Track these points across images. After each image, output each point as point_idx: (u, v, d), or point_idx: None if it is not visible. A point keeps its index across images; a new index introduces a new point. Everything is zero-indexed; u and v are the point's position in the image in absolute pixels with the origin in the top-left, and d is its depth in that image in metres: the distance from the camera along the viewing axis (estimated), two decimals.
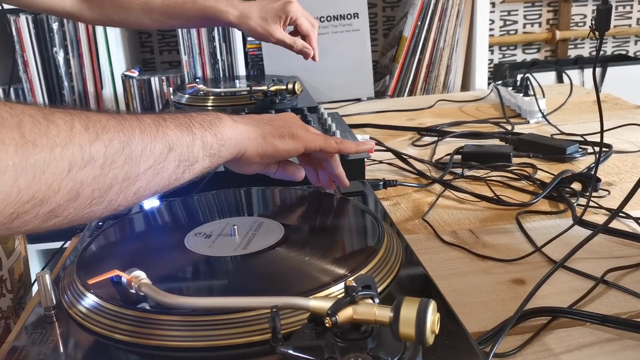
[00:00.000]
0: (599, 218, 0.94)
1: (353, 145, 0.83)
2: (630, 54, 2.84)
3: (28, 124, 0.47)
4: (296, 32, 1.31)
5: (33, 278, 1.05)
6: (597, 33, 0.68)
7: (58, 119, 0.50)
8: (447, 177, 1.16)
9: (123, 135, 0.55)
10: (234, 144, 0.68)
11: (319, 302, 0.49)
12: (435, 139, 1.41)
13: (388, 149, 1.28)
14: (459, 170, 1.18)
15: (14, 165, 0.45)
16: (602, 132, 0.77)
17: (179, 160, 0.60)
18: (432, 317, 0.45)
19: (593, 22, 0.69)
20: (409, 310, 0.45)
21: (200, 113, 0.67)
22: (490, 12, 2.57)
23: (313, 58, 1.33)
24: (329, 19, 2.05)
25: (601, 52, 2.80)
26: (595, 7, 2.76)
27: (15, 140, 0.46)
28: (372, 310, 0.47)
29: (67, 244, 0.95)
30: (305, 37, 1.30)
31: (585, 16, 2.77)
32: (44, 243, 2.08)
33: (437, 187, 1.12)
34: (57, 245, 1.12)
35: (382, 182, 1.08)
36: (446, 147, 1.33)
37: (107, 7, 1.19)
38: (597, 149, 1.23)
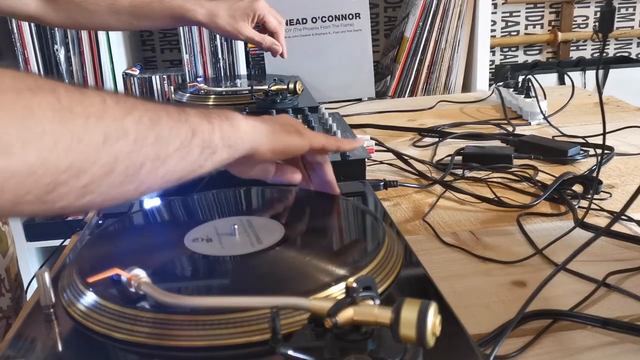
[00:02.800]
0: (601, 220, 0.94)
1: (347, 142, 0.85)
2: (633, 56, 2.84)
3: (63, 92, 0.47)
4: (264, 29, 1.33)
5: (29, 277, 1.05)
6: (600, 34, 0.67)
7: (89, 92, 0.50)
8: (448, 178, 1.15)
9: (152, 114, 0.55)
10: (249, 137, 0.68)
11: (319, 303, 0.49)
12: (436, 139, 1.41)
13: (389, 150, 1.28)
14: (459, 172, 1.18)
15: (52, 130, 0.45)
16: (604, 134, 0.77)
17: (202, 146, 0.61)
18: (433, 319, 0.45)
19: (596, 23, 0.69)
20: (409, 311, 0.45)
21: (214, 109, 0.68)
22: (492, 13, 2.57)
23: (282, 55, 1.35)
24: (330, 18, 2.05)
25: (603, 54, 2.80)
26: (597, 9, 2.76)
27: (52, 105, 0.45)
28: (372, 312, 0.47)
29: (67, 242, 0.95)
30: (273, 34, 1.32)
31: (587, 18, 2.76)
32: (43, 241, 2.08)
33: (438, 188, 1.11)
34: (56, 243, 1.12)
35: (382, 183, 1.07)
36: (447, 148, 1.33)
37: (72, 9, 1.18)
38: (598, 151, 1.22)
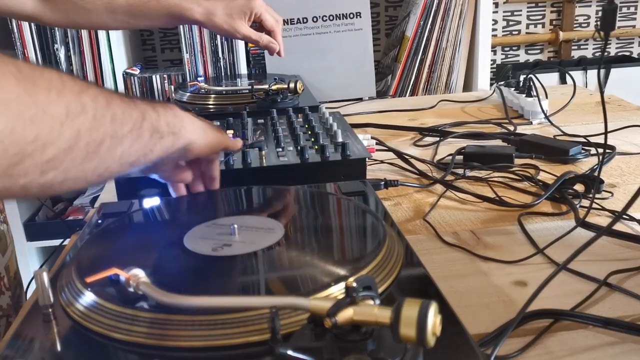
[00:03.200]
0: (602, 220, 0.94)
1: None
2: (634, 55, 2.83)
3: (23, 64, 0.48)
4: (261, 28, 1.33)
5: (29, 277, 1.05)
6: (602, 33, 0.67)
7: (47, 69, 0.51)
8: (449, 177, 1.15)
9: (106, 95, 0.57)
10: (191, 128, 0.71)
11: (319, 303, 0.48)
12: (437, 139, 1.41)
13: (390, 149, 1.27)
14: (460, 171, 1.18)
15: (17, 98, 0.45)
16: (605, 133, 0.77)
17: (151, 130, 0.63)
18: (434, 319, 0.44)
19: (598, 22, 0.68)
20: (410, 311, 0.44)
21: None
22: (493, 12, 2.57)
23: (278, 53, 1.35)
24: (331, 18, 2.05)
25: (605, 54, 2.80)
26: (599, 8, 2.76)
27: (14, 74, 0.46)
28: (372, 312, 0.46)
29: (67, 242, 0.95)
30: (270, 33, 1.33)
31: (589, 17, 2.76)
32: (43, 241, 2.08)
33: (439, 188, 1.11)
34: (56, 242, 1.11)
35: (383, 182, 1.07)
36: (448, 148, 1.33)
37: (69, 8, 1.18)
38: (600, 150, 1.22)
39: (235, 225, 0.69)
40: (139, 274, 0.55)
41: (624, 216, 0.92)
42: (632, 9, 2.77)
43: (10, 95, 0.45)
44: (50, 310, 0.57)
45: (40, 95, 0.47)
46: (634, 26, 2.79)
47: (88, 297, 0.57)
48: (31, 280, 1.05)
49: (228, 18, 1.24)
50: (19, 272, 1.03)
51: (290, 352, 0.46)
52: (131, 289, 0.55)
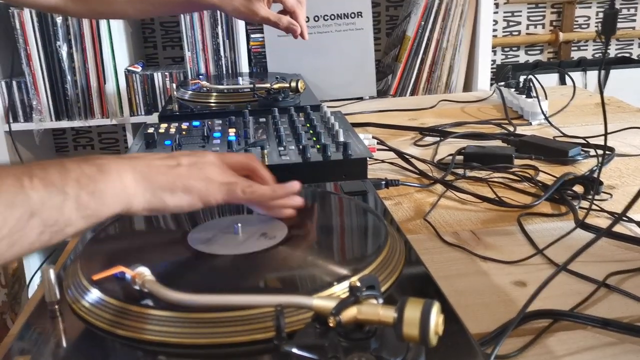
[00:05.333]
0: (601, 221, 0.95)
1: (268, 191, 0.73)
2: (634, 56, 2.84)
3: None
4: (283, 11, 1.27)
5: (30, 272, 1.05)
6: (603, 37, 0.68)
7: None
8: (449, 177, 1.16)
9: None
10: (116, 201, 0.61)
11: (323, 302, 0.49)
12: (437, 139, 1.41)
13: (390, 149, 1.28)
14: (460, 171, 1.18)
15: None
16: (605, 134, 0.78)
17: (43, 226, 0.55)
18: (436, 319, 0.45)
19: (599, 26, 0.69)
20: (413, 311, 0.45)
21: (83, 163, 0.60)
22: (494, 12, 2.57)
23: (302, 36, 1.28)
24: (332, 17, 2.05)
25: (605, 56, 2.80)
26: (599, 10, 2.76)
27: None
28: (376, 311, 0.47)
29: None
30: (292, 14, 1.26)
31: (588, 18, 2.76)
32: None
33: (439, 188, 1.12)
34: None
35: (384, 182, 1.08)
36: (448, 148, 1.34)
37: (91, 0, 1.20)
38: (599, 151, 1.23)
39: (239, 224, 0.69)
40: (145, 272, 0.56)
41: (623, 218, 0.93)
42: (632, 11, 2.77)
43: None
44: (56, 307, 0.58)
45: None
46: (633, 27, 2.79)
47: (94, 295, 0.57)
48: (33, 276, 1.06)
49: (246, 1, 1.19)
50: (20, 268, 1.04)
51: (294, 350, 0.47)
52: (137, 287, 0.56)
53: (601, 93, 0.75)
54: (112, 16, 1.32)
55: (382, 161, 1.26)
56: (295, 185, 0.74)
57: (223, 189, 0.69)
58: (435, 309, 0.45)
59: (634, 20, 2.79)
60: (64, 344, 0.54)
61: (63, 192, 0.56)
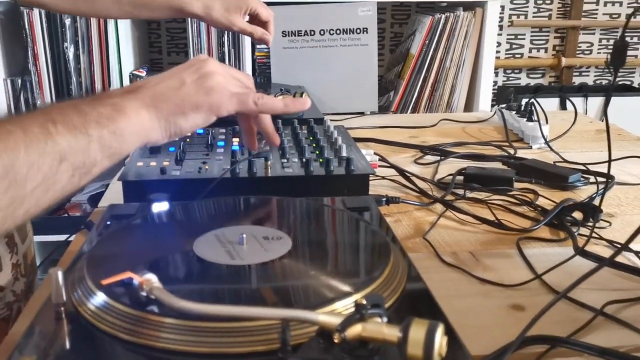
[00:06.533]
0: (599, 249, 0.95)
1: (280, 103, 0.77)
2: (635, 85, 2.86)
3: None
4: (255, 21, 1.36)
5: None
6: (612, 67, 0.69)
7: None
8: (449, 197, 1.16)
9: (6, 158, 0.52)
10: (136, 138, 0.66)
11: (328, 318, 0.50)
12: (438, 158, 1.42)
13: (392, 166, 1.29)
14: (460, 191, 1.19)
15: None
16: (609, 161, 0.78)
17: (72, 169, 0.58)
18: (440, 340, 0.46)
19: (608, 57, 0.70)
20: (417, 331, 0.46)
21: (96, 104, 0.63)
22: (498, 34, 2.59)
23: (267, 43, 1.38)
24: (338, 32, 2.07)
25: (606, 82, 2.82)
26: (602, 37, 2.79)
27: None
28: (380, 329, 0.48)
29: (72, 237, 0.96)
30: (265, 24, 1.36)
31: (592, 44, 2.79)
32: (42, 235, 2.07)
33: (439, 207, 1.12)
34: (56, 238, 1.12)
35: (385, 199, 1.08)
36: (448, 167, 1.34)
37: None
38: (599, 179, 1.23)
39: (244, 235, 0.70)
40: (152, 279, 0.56)
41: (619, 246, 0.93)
42: (635, 39, 2.80)
43: None
44: (62, 308, 0.58)
45: None
46: (636, 56, 2.82)
47: (100, 299, 0.58)
48: (39, 266, 1.07)
49: (225, 13, 1.27)
50: (35, 258, 1.05)
51: None
52: (144, 293, 0.56)
53: (606, 122, 0.76)
54: (94, 15, 1.36)
55: (383, 177, 1.27)
56: (307, 102, 0.80)
57: (234, 99, 0.72)
58: (440, 330, 0.46)
59: (637, 49, 2.82)
60: (68, 346, 0.55)
61: (87, 135, 0.59)
